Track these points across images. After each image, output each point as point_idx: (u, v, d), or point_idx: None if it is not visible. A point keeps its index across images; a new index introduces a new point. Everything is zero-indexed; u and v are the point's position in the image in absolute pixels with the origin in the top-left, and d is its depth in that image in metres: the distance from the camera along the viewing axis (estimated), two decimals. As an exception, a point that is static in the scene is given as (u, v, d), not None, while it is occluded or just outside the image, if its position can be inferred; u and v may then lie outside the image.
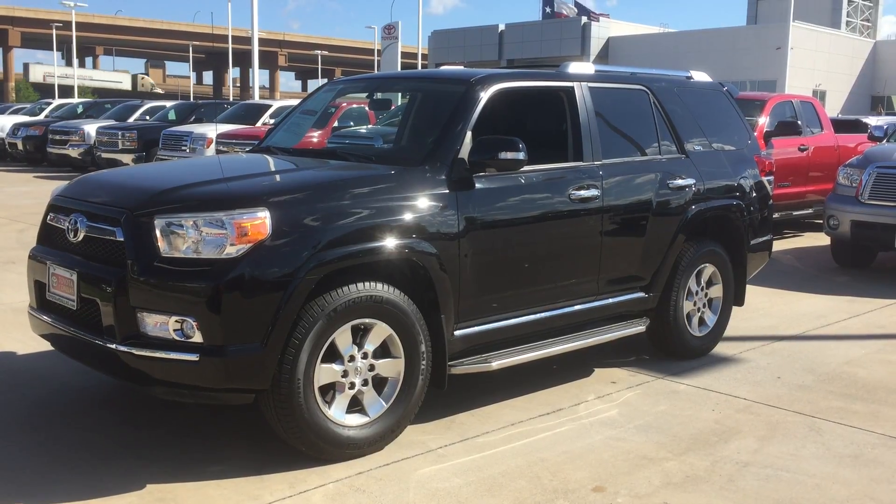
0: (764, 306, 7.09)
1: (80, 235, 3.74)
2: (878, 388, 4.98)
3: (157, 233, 3.47)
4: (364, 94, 5.97)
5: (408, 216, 3.87)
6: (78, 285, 3.67)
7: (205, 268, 3.41)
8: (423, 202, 3.95)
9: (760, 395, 4.79)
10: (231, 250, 3.42)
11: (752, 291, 7.48)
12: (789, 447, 4.05)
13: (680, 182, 5.20)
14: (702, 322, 5.55)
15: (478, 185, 4.16)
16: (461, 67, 5.34)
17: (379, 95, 5.66)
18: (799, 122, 10.77)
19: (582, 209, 4.62)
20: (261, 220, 3.46)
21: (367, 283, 3.71)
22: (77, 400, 4.49)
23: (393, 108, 7.92)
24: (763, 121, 10.64)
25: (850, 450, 4.03)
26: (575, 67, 4.96)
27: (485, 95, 4.39)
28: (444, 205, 4.01)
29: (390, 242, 3.78)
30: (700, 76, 5.92)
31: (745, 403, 4.65)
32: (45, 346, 4.30)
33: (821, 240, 10.12)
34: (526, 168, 4.35)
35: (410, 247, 3.83)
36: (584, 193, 4.62)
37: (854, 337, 6.17)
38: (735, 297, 5.75)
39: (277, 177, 4.12)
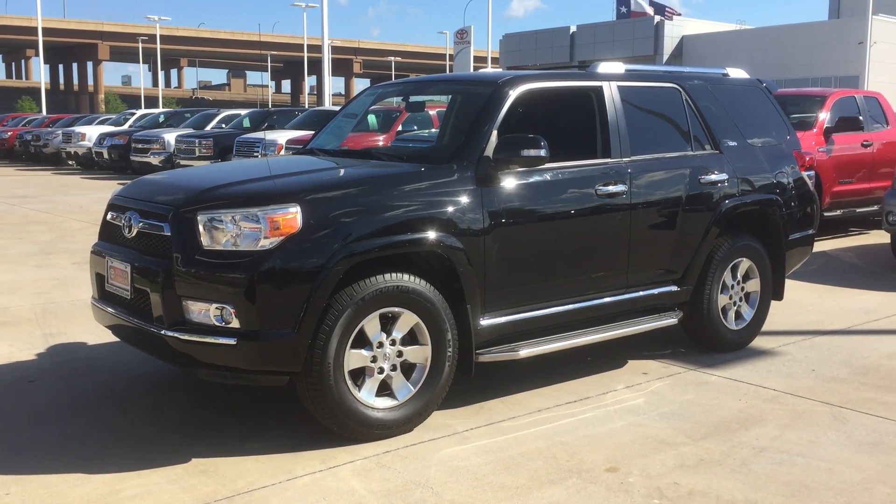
0: (813, 302, 7.06)
1: (134, 231, 4.11)
2: (914, 380, 4.97)
3: (200, 227, 3.80)
4: (400, 98, 6.22)
5: (434, 211, 4.11)
6: (132, 277, 4.03)
7: (241, 259, 3.72)
8: (450, 198, 4.18)
9: (791, 387, 4.85)
10: (265, 243, 3.72)
11: (802, 287, 7.49)
12: (809, 435, 4.13)
13: (712, 177, 5.29)
14: (738, 316, 5.61)
15: (503, 182, 4.36)
16: (498, 70, 5.53)
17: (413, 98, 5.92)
18: (860, 118, 10.60)
19: (609, 204, 4.77)
20: (292, 215, 3.75)
21: (394, 274, 3.95)
22: (137, 385, 4.87)
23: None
24: (824, 116, 10.51)
25: (871, 438, 4.08)
26: (604, 67, 5.11)
27: (512, 96, 4.58)
28: (470, 200, 4.23)
29: (416, 236, 4.02)
30: (737, 73, 5.98)
31: (773, 394, 4.73)
32: (112, 336, 4.68)
33: (886, 237, 9.92)
34: (552, 165, 4.54)
35: (436, 240, 4.06)
36: (610, 189, 4.77)
37: (900, 332, 6.12)
38: (774, 291, 5.79)
39: (311, 175, 4.40)
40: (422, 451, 3.91)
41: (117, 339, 4.53)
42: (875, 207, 10.82)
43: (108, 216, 4.47)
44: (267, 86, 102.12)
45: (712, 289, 5.34)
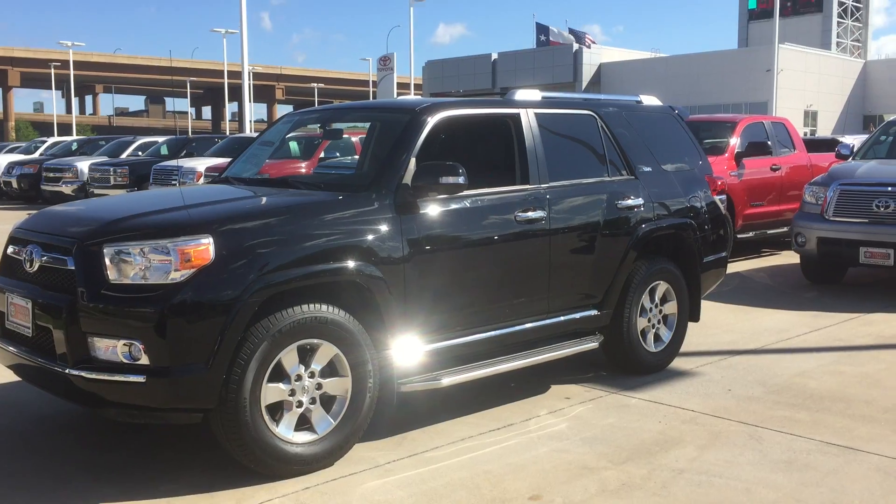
0: (728, 322, 7.23)
1: (36, 265, 3.92)
2: (825, 397, 5.11)
3: (107, 261, 3.65)
4: (318, 126, 6.16)
5: (352, 240, 4.05)
6: (33, 313, 3.84)
7: (150, 293, 3.58)
8: (368, 226, 4.13)
9: (708, 407, 4.93)
10: (176, 276, 3.59)
11: (718, 308, 7.66)
12: (727, 455, 4.19)
13: (629, 202, 5.38)
14: (657, 338, 5.69)
15: (422, 210, 4.33)
16: (416, 97, 5.53)
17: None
18: (769, 143, 10.99)
19: (528, 231, 4.79)
20: (204, 247, 3.64)
21: (311, 305, 3.87)
22: (42, 426, 4.64)
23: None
24: (734, 142, 10.85)
25: (786, 456, 4.17)
26: (521, 94, 5.16)
27: (430, 123, 4.57)
28: (389, 228, 4.19)
29: (334, 266, 3.95)
30: (650, 100, 6.12)
31: (691, 415, 4.79)
32: (15, 376, 4.45)
33: (796, 257, 10.26)
34: (471, 192, 4.54)
35: (355, 269, 4.00)
36: (529, 215, 4.79)
37: (810, 350, 6.31)
38: (690, 313, 5.90)
39: (225, 205, 4.28)
40: (342, 486, 3.82)
41: (20, 379, 4.31)
42: (785, 229, 11.19)
43: (9, 250, 4.26)
44: (186, 112, 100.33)
45: (631, 312, 5.41)
